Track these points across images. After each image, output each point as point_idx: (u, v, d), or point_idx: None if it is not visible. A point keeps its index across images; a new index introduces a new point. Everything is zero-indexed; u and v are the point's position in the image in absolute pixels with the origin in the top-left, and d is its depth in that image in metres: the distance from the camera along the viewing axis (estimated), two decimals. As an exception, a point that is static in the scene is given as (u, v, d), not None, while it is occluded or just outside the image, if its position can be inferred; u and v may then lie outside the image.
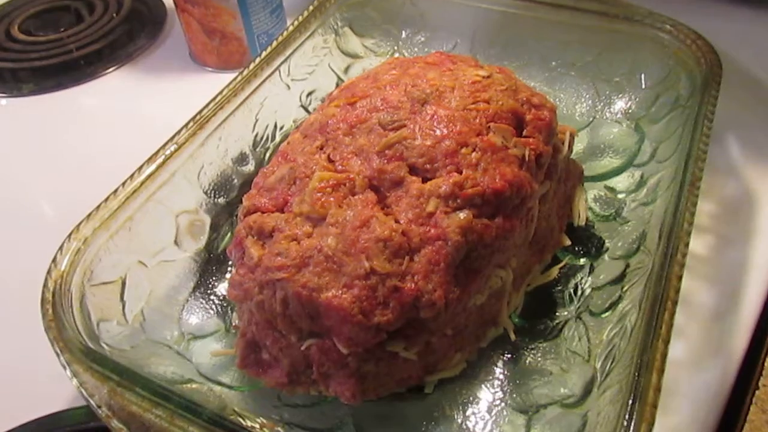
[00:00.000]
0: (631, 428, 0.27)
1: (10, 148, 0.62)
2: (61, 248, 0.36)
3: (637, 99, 0.49)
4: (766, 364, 0.39)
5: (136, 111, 0.64)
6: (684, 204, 0.35)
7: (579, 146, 0.49)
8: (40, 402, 0.40)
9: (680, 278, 0.31)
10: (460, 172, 0.34)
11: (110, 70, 0.68)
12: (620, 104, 0.50)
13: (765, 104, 0.55)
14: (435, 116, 0.36)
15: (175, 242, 0.42)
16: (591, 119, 0.51)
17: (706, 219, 0.47)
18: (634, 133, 0.48)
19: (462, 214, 0.33)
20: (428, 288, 0.32)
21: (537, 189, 0.37)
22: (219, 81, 0.63)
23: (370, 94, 0.39)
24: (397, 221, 0.33)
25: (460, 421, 0.34)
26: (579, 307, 0.38)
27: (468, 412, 0.35)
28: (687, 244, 0.33)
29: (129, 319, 0.37)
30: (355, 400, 0.34)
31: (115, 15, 0.73)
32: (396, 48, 0.57)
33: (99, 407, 0.29)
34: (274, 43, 0.49)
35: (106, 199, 0.38)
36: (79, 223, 0.36)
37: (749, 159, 0.51)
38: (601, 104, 0.51)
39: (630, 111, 0.50)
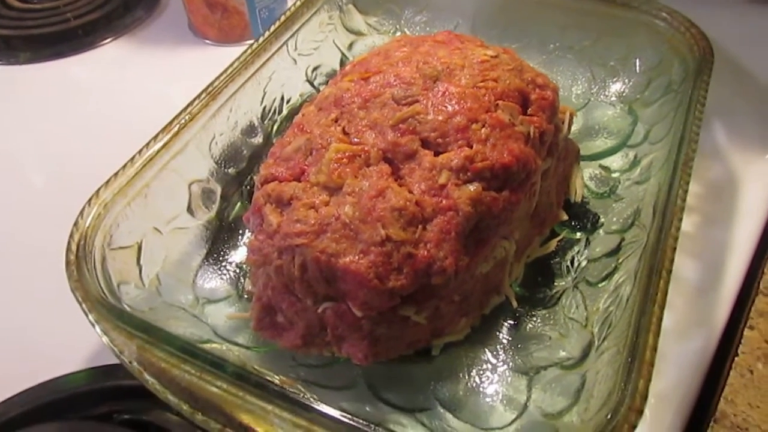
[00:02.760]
0: (630, 384, 0.29)
1: (5, 116, 0.62)
2: (81, 213, 0.37)
3: (631, 83, 0.51)
4: (744, 333, 0.42)
5: (133, 82, 0.64)
6: (678, 182, 0.37)
7: (575, 127, 0.51)
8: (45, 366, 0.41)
9: (674, 250, 0.34)
10: (471, 147, 0.36)
11: (108, 40, 0.68)
12: (615, 87, 0.52)
13: (751, 91, 0.58)
14: (446, 93, 0.38)
15: (188, 210, 0.43)
16: (587, 101, 0.53)
17: (692, 199, 0.49)
18: (627, 116, 0.50)
19: (472, 187, 0.35)
20: (440, 255, 0.34)
21: (540, 165, 0.39)
22: (218, 54, 0.65)
23: (384, 70, 0.40)
24: (410, 192, 0.35)
25: (465, 381, 0.37)
26: (576, 278, 0.40)
27: (473, 373, 0.37)
28: (680, 219, 0.35)
29: (146, 283, 0.39)
30: (367, 361, 0.36)
31: (111, -15, 0.72)
32: (398, 27, 0.58)
33: (130, 362, 0.31)
34: (282, 18, 0.50)
35: (124, 167, 0.39)
36: (99, 189, 0.38)
37: (735, 143, 0.53)
38: (597, 87, 0.53)
39: (624, 94, 0.52)
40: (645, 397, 0.28)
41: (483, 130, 0.37)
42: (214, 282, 0.42)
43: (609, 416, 0.28)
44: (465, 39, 0.44)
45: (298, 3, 0.51)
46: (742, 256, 0.46)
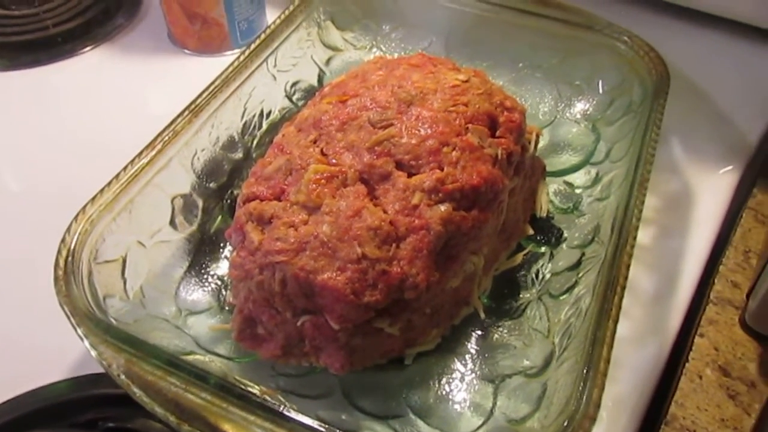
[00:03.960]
0: (585, 393, 0.31)
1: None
2: (69, 229, 0.38)
3: (595, 102, 0.54)
4: (695, 340, 0.45)
5: (113, 90, 0.65)
6: (633, 201, 0.40)
7: (542, 143, 0.54)
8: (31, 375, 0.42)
9: (629, 266, 0.37)
10: (442, 169, 0.38)
11: (87, 48, 0.69)
12: (579, 106, 0.55)
13: (705, 110, 0.61)
14: (420, 117, 0.40)
15: (171, 223, 0.44)
16: (553, 118, 0.55)
17: (649, 212, 0.52)
18: (591, 134, 0.53)
19: (443, 207, 0.38)
20: (412, 272, 0.36)
21: (507, 184, 0.42)
22: (197, 64, 0.65)
23: (360, 93, 0.42)
24: (385, 212, 0.37)
25: (435, 389, 0.39)
26: (540, 290, 0.43)
27: (443, 381, 0.39)
28: (635, 237, 0.38)
29: (130, 296, 0.40)
30: (343, 371, 0.38)
31: (90, -9, 0.72)
32: (374, 42, 0.60)
33: (119, 375, 0.32)
34: (263, 36, 0.52)
35: (109, 183, 0.40)
36: (85, 205, 0.39)
37: (691, 159, 0.56)
38: (562, 105, 0.56)
39: (588, 113, 0.54)
40: (598, 406, 0.31)
41: (454, 153, 0.39)
42: (196, 294, 0.43)
43: (566, 423, 0.31)
44: (438, 62, 0.46)
45: (278, 20, 0.53)
46: (694, 267, 0.49)
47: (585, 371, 0.32)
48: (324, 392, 0.38)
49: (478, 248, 0.41)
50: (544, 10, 0.54)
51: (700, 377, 0.43)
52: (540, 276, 0.44)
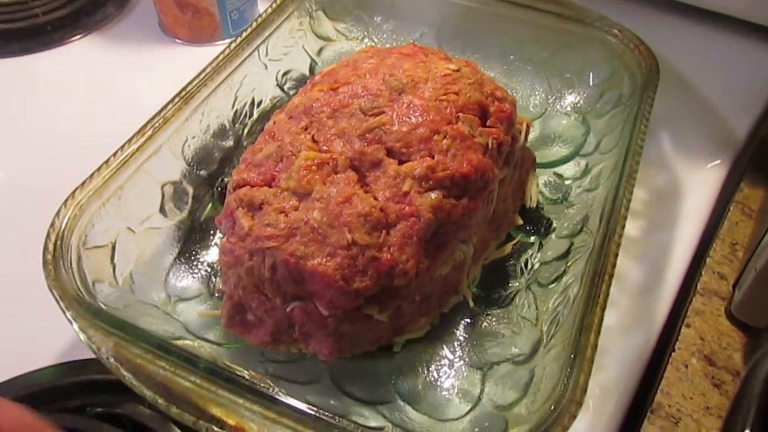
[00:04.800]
0: (572, 379, 0.32)
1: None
2: (58, 213, 0.38)
3: (585, 95, 0.55)
4: (682, 330, 0.46)
5: (102, 79, 0.64)
6: (622, 192, 0.40)
7: (533, 135, 0.54)
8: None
9: (616, 255, 0.37)
10: (433, 157, 0.38)
11: (77, 37, 0.68)
12: (570, 98, 0.55)
13: (694, 105, 0.61)
14: (411, 105, 0.40)
15: (161, 210, 0.44)
16: (543, 111, 0.56)
17: (638, 204, 0.53)
18: (581, 126, 0.53)
19: (433, 195, 0.38)
20: (402, 259, 0.36)
21: (497, 174, 0.42)
22: (188, 53, 0.65)
23: (352, 81, 0.42)
24: (375, 198, 0.37)
25: (424, 376, 0.39)
26: (529, 279, 0.43)
27: (431, 368, 0.39)
28: (623, 227, 0.39)
29: (119, 281, 0.40)
30: (332, 357, 0.38)
31: (79, -20, 0.72)
32: (366, 33, 0.60)
33: (107, 359, 0.32)
34: (254, 24, 0.51)
35: (99, 169, 0.40)
36: (75, 191, 0.39)
37: (678, 153, 0.57)
38: (553, 98, 0.56)
39: (578, 105, 0.55)
40: (584, 390, 0.31)
41: (444, 141, 0.39)
42: (185, 280, 0.43)
43: (552, 408, 0.31)
44: (429, 51, 0.46)
45: (270, 10, 0.53)
46: (682, 259, 0.50)
47: (572, 357, 0.33)
48: (313, 378, 0.39)
49: (468, 237, 0.41)
50: (536, 3, 0.55)
51: (686, 366, 0.44)
52: (529, 265, 0.45)
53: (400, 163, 0.39)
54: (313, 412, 0.31)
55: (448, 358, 0.40)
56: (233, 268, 0.38)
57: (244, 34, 0.50)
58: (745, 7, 0.64)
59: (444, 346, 0.41)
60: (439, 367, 0.40)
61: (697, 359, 0.44)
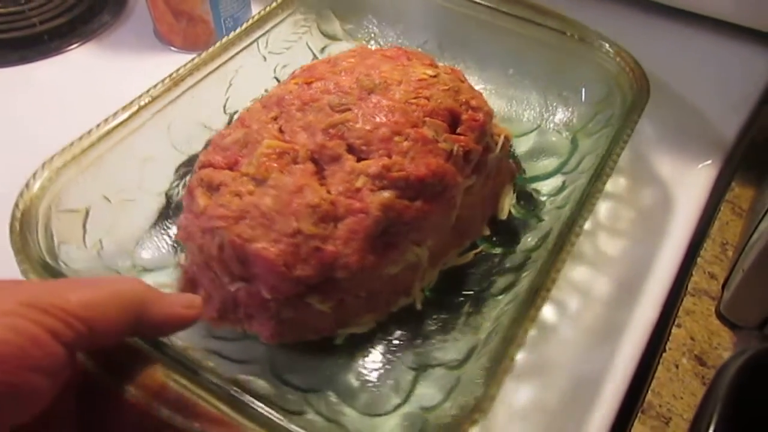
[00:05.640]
0: (486, 387, 0.32)
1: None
2: (34, 175, 0.40)
3: (579, 113, 0.54)
4: (672, 330, 0.47)
5: (99, 87, 0.64)
6: (580, 212, 0.40)
7: (523, 148, 0.55)
8: None
9: (558, 271, 0.37)
10: (390, 157, 0.39)
11: (74, 45, 0.69)
12: (563, 116, 0.55)
13: (684, 106, 0.62)
14: (378, 105, 0.41)
15: (139, 185, 0.46)
16: (536, 126, 0.56)
17: (630, 205, 0.54)
18: (569, 144, 0.53)
19: (386, 194, 0.38)
20: (346, 252, 0.37)
21: (461, 181, 0.42)
22: (183, 61, 0.65)
23: (326, 77, 0.43)
24: (329, 192, 0.38)
25: (360, 370, 0.40)
26: (483, 289, 0.43)
27: (368, 363, 0.40)
28: (573, 244, 0.38)
29: (88, 245, 0.42)
30: (272, 340, 0.39)
31: (76, -11, 0.72)
32: (372, 36, 0.61)
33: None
34: (256, 17, 0.53)
35: (80, 138, 0.42)
36: (53, 156, 0.41)
37: (670, 154, 0.57)
38: (548, 113, 0.56)
39: (571, 123, 0.54)
40: (492, 400, 0.31)
41: (405, 143, 0.40)
42: (153, 252, 0.45)
43: (460, 414, 0.31)
44: (414, 56, 0.47)
45: (274, 4, 0.55)
46: (673, 259, 0.50)
47: (490, 367, 0.33)
48: (250, 359, 0.40)
49: (422, 239, 0.42)
50: (539, 18, 0.55)
51: (677, 366, 0.45)
52: (487, 275, 0.45)
53: (359, 160, 0.40)
54: (229, 389, 0.32)
55: (387, 357, 0.41)
56: (187, 244, 0.40)
57: (245, 25, 0.52)
58: (731, 9, 0.65)
59: (386, 345, 0.41)
60: (377, 364, 0.40)
61: (688, 359, 0.45)
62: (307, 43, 0.58)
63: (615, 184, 0.54)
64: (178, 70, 0.48)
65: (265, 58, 0.54)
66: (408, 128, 0.40)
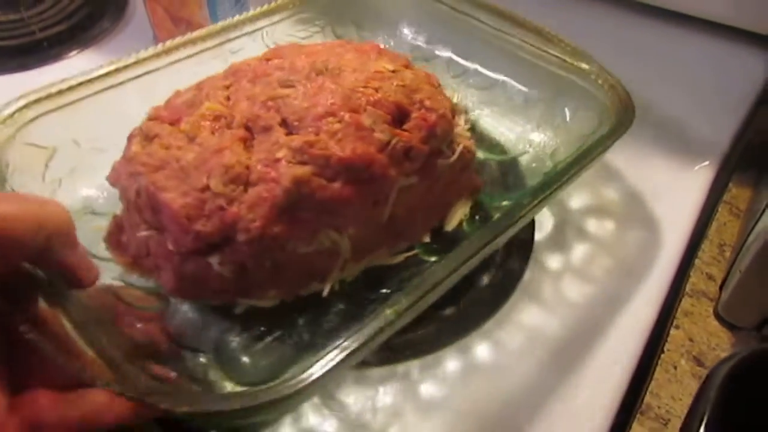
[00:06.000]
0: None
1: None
2: (8, 104, 0.44)
3: (567, 142, 0.52)
4: (671, 331, 0.47)
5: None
6: (491, 237, 0.38)
7: (501, 172, 0.53)
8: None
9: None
10: (317, 135, 0.39)
11: (74, 52, 0.69)
12: (552, 143, 0.53)
13: (681, 107, 0.62)
14: (322, 86, 0.41)
15: (112, 138, 0.49)
16: (522, 148, 0.54)
17: (628, 206, 0.54)
18: (547, 172, 0.51)
19: (302, 168, 0.38)
20: (249, 217, 0.37)
21: (395, 176, 0.41)
22: None
23: (286, 57, 0.44)
24: (249, 158, 0.39)
25: (248, 343, 0.39)
26: (395, 290, 0.42)
27: (256, 335, 0.39)
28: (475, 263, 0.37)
29: (46, 180, 0.45)
30: (173, 294, 0.40)
31: (75, -4, 0.73)
32: (386, 45, 0.62)
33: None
34: (265, 6, 0.56)
35: (61, 81, 0.46)
36: (30, 92, 0.45)
37: (667, 155, 0.58)
38: (539, 139, 0.54)
39: (556, 152, 0.52)
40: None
41: (337, 124, 0.40)
42: (105, 198, 0.47)
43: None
44: (387, 54, 0.47)
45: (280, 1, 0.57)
46: (671, 261, 0.50)
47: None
48: (147, 308, 0.40)
49: (342, 226, 0.41)
50: (546, 46, 0.53)
51: (675, 367, 0.45)
52: (408, 280, 0.43)
53: (289, 134, 0.40)
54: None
55: (277, 334, 0.40)
56: (115, 186, 0.42)
57: (251, 12, 0.55)
58: (726, 11, 0.67)
59: (283, 325, 0.40)
60: (267, 338, 0.40)
61: (686, 360, 0.45)
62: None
63: (614, 183, 0.55)
64: (171, 40, 0.51)
65: (268, 47, 0.57)
66: (344, 111, 0.40)
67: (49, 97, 0.45)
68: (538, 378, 0.42)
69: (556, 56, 0.53)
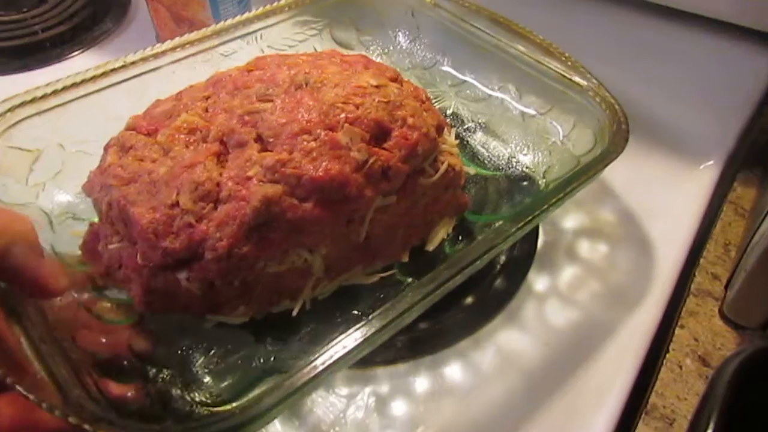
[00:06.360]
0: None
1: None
2: (-8, 107, 0.44)
3: (561, 161, 0.50)
4: (676, 331, 0.46)
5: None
6: (467, 263, 0.37)
7: (492, 189, 0.51)
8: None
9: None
10: (291, 153, 0.38)
11: (76, 52, 0.69)
12: (547, 161, 0.51)
13: (686, 107, 0.62)
14: (300, 101, 0.41)
15: (99, 142, 0.49)
16: (518, 167, 0.52)
17: (632, 205, 0.53)
18: (538, 191, 0.49)
19: (273, 187, 0.38)
20: (217, 236, 0.37)
21: (371, 196, 0.40)
22: None
23: (268, 68, 0.44)
24: (221, 174, 0.38)
25: (215, 359, 0.39)
26: (367, 311, 0.41)
27: (221, 353, 0.39)
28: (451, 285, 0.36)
29: (30, 183, 0.45)
30: (142, 308, 0.39)
31: (78, -4, 0.74)
32: (386, 50, 0.61)
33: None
34: (261, 9, 0.55)
35: (46, 84, 0.46)
36: (15, 95, 0.45)
37: (672, 155, 0.57)
38: (533, 156, 0.52)
39: (552, 172, 0.50)
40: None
41: (312, 143, 0.39)
42: (87, 204, 0.47)
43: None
44: (374, 66, 0.46)
45: (283, 1, 0.56)
46: (676, 260, 0.50)
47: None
48: (116, 321, 0.40)
49: (314, 245, 0.40)
50: (548, 58, 0.51)
51: (680, 367, 0.44)
52: (383, 301, 0.42)
53: (264, 150, 0.39)
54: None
55: (245, 353, 0.39)
56: (89, 196, 0.41)
57: (245, 15, 0.54)
58: (732, 9, 0.65)
59: (251, 343, 0.40)
60: (232, 358, 0.39)
61: (692, 360, 0.45)
62: (313, 47, 0.59)
63: (616, 184, 0.55)
64: (160, 44, 0.50)
65: (263, 51, 0.56)
66: (320, 129, 0.39)
67: (34, 100, 0.45)
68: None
69: (555, 70, 0.51)
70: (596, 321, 0.46)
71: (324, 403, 0.41)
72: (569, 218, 0.53)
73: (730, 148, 0.58)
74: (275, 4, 0.56)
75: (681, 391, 0.43)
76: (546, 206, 0.42)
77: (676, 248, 0.50)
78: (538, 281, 0.48)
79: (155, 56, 0.49)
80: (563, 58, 0.51)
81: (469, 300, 0.46)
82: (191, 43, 0.51)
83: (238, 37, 0.54)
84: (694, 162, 0.57)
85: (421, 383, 0.42)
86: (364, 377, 0.42)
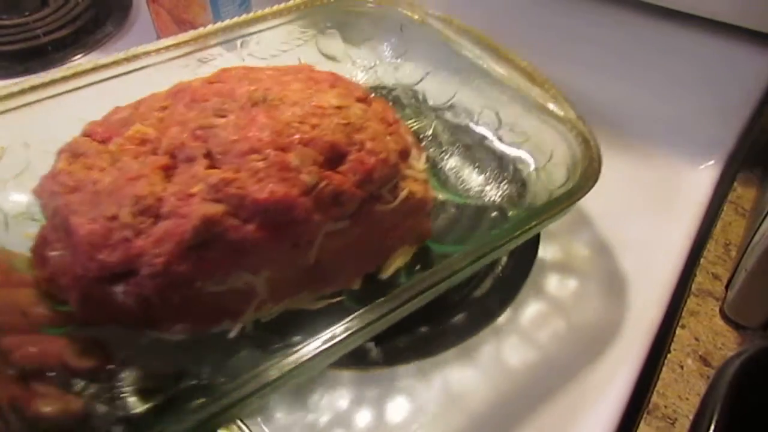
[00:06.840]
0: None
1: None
2: (-44, 101, 0.44)
3: (534, 193, 0.48)
4: (677, 331, 0.47)
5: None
6: (414, 294, 0.36)
7: (460, 217, 0.50)
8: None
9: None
10: (237, 172, 0.37)
11: (78, 56, 0.69)
12: (519, 193, 0.50)
13: (686, 106, 0.62)
14: (254, 119, 0.39)
15: (65, 142, 0.49)
16: (489, 195, 0.51)
17: (633, 205, 0.54)
18: (505, 224, 0.47)
19: (214, 207, 0.37)
20: (154, 252, 0.36)
21: (321, 222, 0.39)
22: None
23: (229, 82, 0.43)
24: (165, 189, 0.38)
25: (140, 377, 0.38)
26: (305, 339, 0.40)
27: (152, 371, 0.38)
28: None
29: (-9, 180, 0.45)
30: (79, 317, 0.39)
31: (80, 0, 0.74)
32: (374, 64, 0.60)
33: None
34: (244, 16, 0.54)
35: (17, 84, 0.46)
36: (-15, 92, 0.45)
37: (672, 154, 0.57)
38: (507, 185, 0.51)
39: (522, 202, 0.49)
40: None
41: (259, 162, 0.38)
42: (46, 205, 0.47)
43: None
44: (343, 84, 0.45)
45: (268, 9, 0.55)
46: (676, 260, 0.50)
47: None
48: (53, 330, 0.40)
49: (257, 267, 0.39)
50: (531, 85, 0.50)
51: (682, 367, 0.45)
52: (330, 326, 0.41)
53: (211, 167, 0.38)
54: None
55: (176, 374, 0.39)
56: (39, 200, 0.41)
57: (226, 22, 0.53)
58: (731, 10, 0.65)
59: (185, 360, 0.39)
60: (164, 378, 0.38)
61: (693, 360, 0.45)
62: (299, 58, 0.58)
63: (616, 184, 0.51)
64: (137, 48, 0.50)
65: (243, 60, 0.55)
66: (270, 149, 0.38)
67: (1, 98, 0.45)
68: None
69: (536, 99, 0.49)
70: (599, 321, 0.46)
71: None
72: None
73: (730, 148, 0.59)
74: (262, 11, 0.55)
75: (682, 391, 0.43)
76: (505, 241, 0.40)
77: (676, 248, 0.51)
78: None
79: (127, 59, 0.49)
80: (545, 86, 0.49)
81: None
82: (167, 48, 0.50)
83: (219, 44, 0.53)
84: (694, 162, 0.57)
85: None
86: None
